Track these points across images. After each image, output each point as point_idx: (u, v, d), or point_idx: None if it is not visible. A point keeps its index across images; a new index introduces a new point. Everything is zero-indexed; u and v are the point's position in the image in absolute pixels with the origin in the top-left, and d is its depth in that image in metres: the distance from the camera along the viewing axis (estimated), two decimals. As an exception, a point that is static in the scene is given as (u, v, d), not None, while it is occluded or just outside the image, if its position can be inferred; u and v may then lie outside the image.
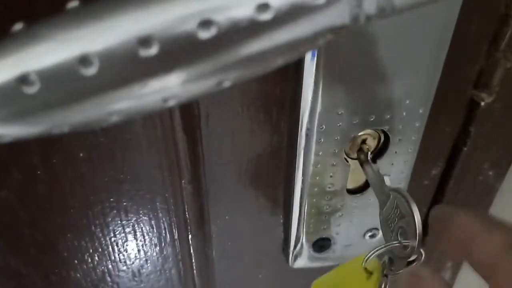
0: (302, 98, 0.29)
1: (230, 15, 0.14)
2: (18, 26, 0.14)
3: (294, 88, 0.29)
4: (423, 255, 0.28)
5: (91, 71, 0.14)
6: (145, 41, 0.14)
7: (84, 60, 0.14)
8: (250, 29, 0.14)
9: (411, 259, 0.28)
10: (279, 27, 0.15)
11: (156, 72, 0.14)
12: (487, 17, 0.30)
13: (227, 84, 0.16)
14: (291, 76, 0.28)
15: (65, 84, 0.14)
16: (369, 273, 0.28)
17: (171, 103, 0.15)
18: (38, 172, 0.28)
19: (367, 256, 0.28)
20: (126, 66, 0.14)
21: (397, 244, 0.27)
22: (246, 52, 0.15)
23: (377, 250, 0.28)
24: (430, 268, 0.25)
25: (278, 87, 0.29)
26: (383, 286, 0.28)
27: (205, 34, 0.14)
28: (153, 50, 0.14)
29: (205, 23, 0.14)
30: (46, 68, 0.14)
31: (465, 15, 0.28)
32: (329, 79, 0.28)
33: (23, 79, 0.14)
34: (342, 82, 0.28)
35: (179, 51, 0.14)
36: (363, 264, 0.28)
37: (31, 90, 0.14)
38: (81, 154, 0.28)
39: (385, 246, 0.27)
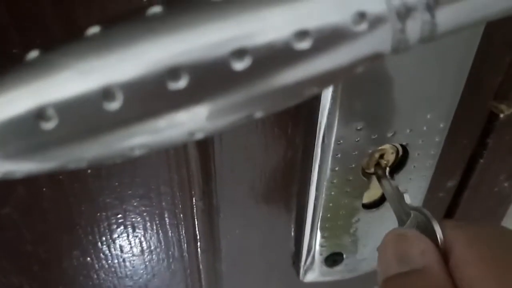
0: (319, 112, 0.28)
1: (266, 43, 0.13)
2: (33, 54, 0.13)
3: (311, 102, 0.28)
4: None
5: (114, 105, 0.13)
6: (174, 73, 0.12)
7: (107, 93, 0.12)
8: (287, 58, 0.13)
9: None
10: (317, 56, 0.13)
11: (185, 106, 0.13)
12: (510, 28, 0.29)
13: (258, 115, 0.14)
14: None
15: (85, 119, 0.13)
16: None
17: (198, 136, 0.14)
18: (44, 189, 0.27)
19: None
20: (153, 100, 0.13)
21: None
22: (281, 83, 0.13)
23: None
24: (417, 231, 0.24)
25: (294, 100, 0.28)
26: None
27: (239, 65, 0.13)
28: (183, 83, 0.13)
29: (239, 53, 0.13)
30: (65, 102, 0.12)
31: (490, 25, 0.27)
32: (347, 93, 0.26)
33: (40, 114, 0.12)
34: (361, 96, 0.27)
35: (210, 83, 0.13)
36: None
37: (48, 125, 0.13)
38: (89, 171, 0.27)
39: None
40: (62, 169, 0.14)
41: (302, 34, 0.13)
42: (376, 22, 0.13)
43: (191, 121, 0.13)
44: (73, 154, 0.13)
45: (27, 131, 0.13)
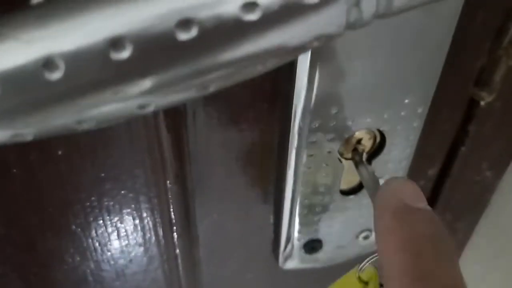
0: (295, 95, 0.27)
1: (213, 14, 0.12)
2: (-25, 23, 0.13)
3: (287, 85, 0.27)
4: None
5: (56, 75, 0.12)
6: (116, 43, 0.12)
7: (48, 63, 0.12)
8: (235, 30, 0.13)
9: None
10: (267, 29, 0.13)
11: (129, 77, 0.13)
12: (490, 12, 0.29)
13: (211, 89, 0.14)
14: (283, 72, 0.27)
15: (27, 89, 0.12)
16: (365, 283, 0.27)
17: (150, 109, 0.14)
18: (14, 170, 0.27)
19: (362, 265, 0.27)
20: (95, 70, 0.12)
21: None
22: (229, 56, 0.13)
23: (371, 258, 0.26)
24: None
25: (270, 84, 0.28)
26: None
27: (184, 36, 0.12)
28: (126, 53, 0.12)
29: (186, 23, 0.12)
30: (6, 71, 0.12)
31: (468, 10, 0.26)
32: (324, 77, 0.26)
33: (-20, 83, 0.12)
34: (337, 80, 0.26)
35: (155, 53, 0.12)
36: (357, 273, 0.27)
37: (-12, 95, 0.12)
38: (59, 152, 0.26)
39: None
40: (8, 141, 0.14)
41: (250, 6, 0.13)
42: (328, -6, 0.13)
43: (139, 93, 0.13)
44: (17, 125, 0.13)
45: (-33, 101, 0.12)
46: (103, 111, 0.13)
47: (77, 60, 0.12)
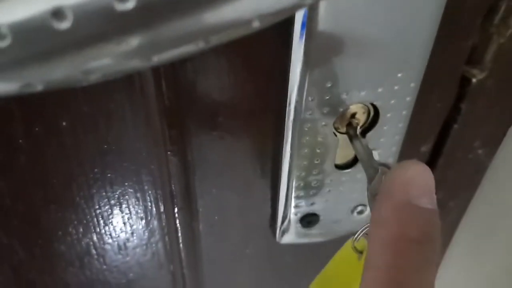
0: (291, 70, 0.28)
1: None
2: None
3: (283, 59, 0.28)
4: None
5: (64, 25, 0.13)
6: (121, -6, 0.13)
7: (57, 12, 0.13)
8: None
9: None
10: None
11: (135, 28, 0.14)
12: (481, -11, 0.30)
13: (213, 42, 0.15)
14: (279, 47, 0.28)
15: (37, 38, 0.13)
16: (360, 252, 0.28)
17: (154, 61, 0.15)
18: (20, 141, 0.28)
19: (356, 235, 0.28)
20: (102, 21, 0.13)
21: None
22: (230, 11, 0.14)
23: (365, 228, 0.27)
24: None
25: (266, 59, 0.28)
26: None
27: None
28: (130, 4, 0.13)
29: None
30: (17, 21, 0.13)
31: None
32: (318, 51, 0.27)
33: (-7, 32, 0.13)
34: (332, 54, 0.27)
35: (159, 4, 0.13)
36: (353, 243, 0.28)
37: (2, 44, 0.13)
38: (64, 123, 0.27)
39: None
40: (20, 91, 0.15)
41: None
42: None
43: (143, 43, 0.14)
44: (28, 74, 0.14)
45: (-19, 49, 0.13)
46: (109, 61, 0.14)
47: (85, 11, 0.13)
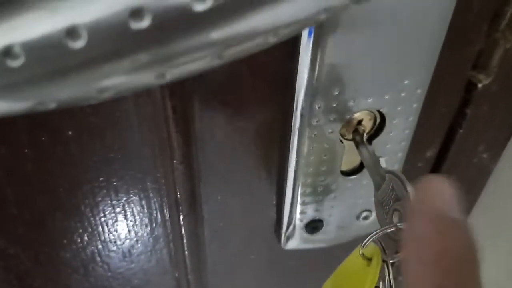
0: (298, 77, 0.28)
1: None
2: (1, -5, 0.13)
3: (290, 67, 0.28)
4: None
5: (78, 44, 0.13)
6: (136, 13, 0.13)
7: (71, 32, 0.13)
8: (250, 2, 0.14)
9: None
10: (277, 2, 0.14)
11: (148, 46, 0.13)
12: (487, -4, 0.30)
13: (225, 59, 0.15)
14: (287, 55, 0.28)
15: (51, 57, 0.13)
16: (368, 259, 0.28)
17: (166, 78, 0.15)
18: (26, 150, 0.27)
19: (364, 242, 0.27)
20: (116, 40, 0.13)
21: (393, 228, 0.27)
22: (245, 25, 0.14)
23: (374, 235, 0.27)
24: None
25: (274, 66, 0.28)
26: (386, 271, 0.28)
27: (199, 6, 0.13)
28: (145, 23, 0.13)
29: (200, -5, 0.13)
30: (31, 40, 0.13)
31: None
32: (326, 59, 0.27)
33: (7, 52, 0.13)
34: (339, 62, 0.27)
35: (172, 24, 0.13)
36: (360, 250, 0.28)
37: (15, 63, 0.13)
38: (70, 132, 0.27)
39: (381, 230, 0.27)
40: (32, 110, 0.14)
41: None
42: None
43: (155, 62, 0.14)
44: (41, 94, 0.14)
45: (-5, 69, 0.13)
46: (122, 79, 0.14)
47: (99, 30, 0.13)
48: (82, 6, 0.13)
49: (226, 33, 0.14)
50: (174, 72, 0.14)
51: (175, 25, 0.13)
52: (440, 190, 0.20)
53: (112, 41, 0.13)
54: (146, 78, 0.14)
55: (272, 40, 0.14)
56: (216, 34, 0.14)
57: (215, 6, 0.13)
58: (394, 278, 0.29)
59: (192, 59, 0.14)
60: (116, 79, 0.14)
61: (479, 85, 0.34)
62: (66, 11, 0.13)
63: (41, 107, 0.14)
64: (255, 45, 0.14)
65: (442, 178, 0.20)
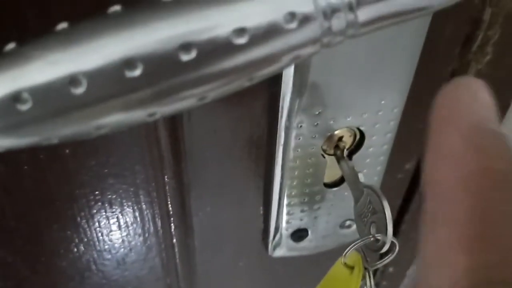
0: (281, 98, 0.30)
1: (209, 38, 0.15)
2: (10, 46, 0.15)
3: (274, 88, 0.30)
4: (397, 247, 0.30)
5: (80, 90, 0.15)
6: (130, 63, 0.15)
7: (73, 80, 0.15)
8: (227, 50, 0.15)
9: (383, 251, 0.30)
10: (253, 49, 0.16)
11: (140, 91, 0.15)
12: (460, 20, 0.32)
13: (207, 99, 0.17)
14: (271, 78, 0.29)
15: (55, 102, 0.15)
16: (351, 268, 0.30)
17: (156, 117, 0.16)
18: (25, 167, 0.29)
19: (345, 253, 0.29)
20: (112, 86, 0.15)
21: (371, 239, 0.29)
22: (223, 72, 0.16)
23: (353, 246, 0.29)
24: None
25: (259, 86, 0.30)
26: (367, 277, 0.30)
27: (186, 57, 0.15)
28: (138, 71, 0.15)
29: (186, 46, 0.15)
30: (38, 87, 0.15)
31: (438, 18, 0.29)
32: (307, 81, 0.29)
33: (16, 97, 0.15)
34: (319, 83, 0.29)
35: (161, 72, 0.15)
36: (342, 260, 0.30)
37: (23, 107, 0.15)
38: (67, 151, 0.29)
39: (360, 241, 0.29)
40: (36, 144, 0.16)
41: (240, 31, 0.15)
42: (305, 20, 0.16)
43: (147, 104, 0.16)
44: (46, 131, 0.16)
45: (5, 111, 0.15)
46: (118, 118, 0.16)
47: (97, 77, 0.15)
48: (82, 57, 0.15)
49: (208, 79, 0.16)
50: (164, 110, 0.16)
51: (164, 73, 0.15)
52: (472, 94, 0.16)
53: (109, 86, 0.15)
54: (139, 117, 0.16)
55: (247, 83, 0.16)
56: (200, 79, 0.16)
57: (199, 56, 0.15)
58: (376, 284, 0.31)
59: (179, 100, 0.16)
60: (112, 118, 0.16)
61: (454, 102, 0.35)
62: (66, 62, 0.15)
63: (45, 142, 0.16)
64: (234, 88, 0.16)
65: (472, 79, 0.16)
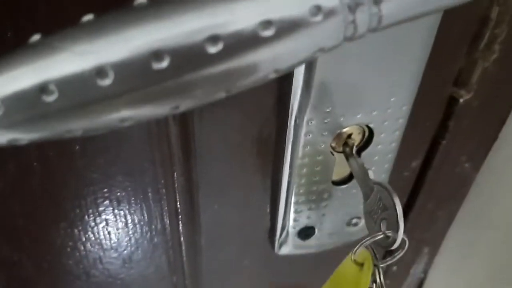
0: (292, 95, 0.30)
1: (236, 31, 0.15)
2: (35, 37, 0.15)
3: (285, 85, 0.30)
4: (407, 243, 0.30)
5: (106, 82, 0.15)
6: (157, 55, 0.15)
7: (100, 71, 0.15)
8: (254, 43, 0.15)
9: (393, 247, 0.30)
10: (279, 42, 0.16)
11: (167, 83, 0.15)
12: (468, 18, 0.32)
13: (234, 91, 0.17)
14: (282, 75, 0.29)
15: (81, 93, 0.15)
16: (360, 264, 0.30)
17: (182, 109, 0.16)
18: (34, 164, 0.29)
19: (355, 250, 0.29)
20: (139, 78, 0.15)
21: (381, 235, 0.29)
22: (250, 64, 0.16)
23: (363, 242, 0.29)
24: None
25: (269, 83, 0.30)
26: (377, 274, 0.30)
27: (212, 49, 0.15)
28: (165, 63, 0.15)
29: (213, 39, 0.15)
30: (65, 78, 0.15)
31: (447, 17, 0.29)
32: (318, 78, 0.29)
33: (43, 88, 0.15)
34: (330, 81, 0.29)
35: (188, 64, 0.15)
36: (352, 256, 0.30)
37: (49, 98, 0.15)
38: (76, 147, 0.29)
39: (370, 238, 0.29)
40: (60, 137, 0.16)
41: (266, 24, 0.15)
42: (329, 14, 0.16)
43: (173, 96, 0.16)
44: (70, 123, 0.16)
45: (31, 103, 0.15)
46: (143, 111, 0.16)
47: (124, 69, 0.15)
48: (110, 49, 0.15)
49: (234, 71, 0.16)
50: (187, 104, 0.16)
51: (191, 65, 0.15)
52: None
53: (136, 78, 0.15)
54: (162, 110, 0.16)
55: (273, 76, 0.16)
56: (226, 71, 0.15)
57: (226, 49, 0.15)
58: (385, 280, 0.31)
59: (204, 93, 0.16)
60: (137, 111, 0.16)
61: (460, 100, 0.36)
62: (93, 54, 0.15)
63: (68, 134, 0.16)
64: (259, 80, 0.16)
65: None
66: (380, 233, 0.29)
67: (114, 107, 0.15)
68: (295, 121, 0.31)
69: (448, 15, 0.29)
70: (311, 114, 0.30)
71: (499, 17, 0.32)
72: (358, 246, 0.30)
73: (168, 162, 0.31)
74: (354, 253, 0.30)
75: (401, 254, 0.29)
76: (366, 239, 0.29)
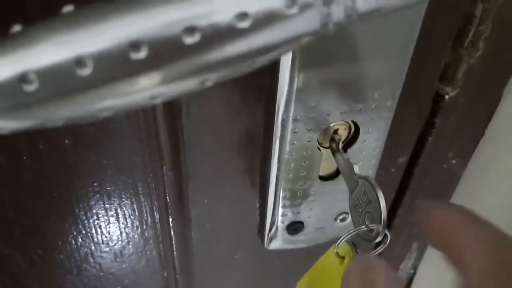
0: (278, 91, 0.30)
1: (213, 22, 0.16)
2: (16, 28, 0.16)
3: (271, 80, 0.30)
4: (389, 238, 0.30)
5: (85, 71, 0.15)
6: (135, 45, 0.15)
7: (79, 61, 0.15)
8: (230, 35, 0.16)
9: (377, 241, 0.30)
10: (255, 34, 0.16)
11: (145, 73, 0.16)
12: (452, 15, 0.32)
13: (209, 83, 0.17)
14: (268, 70, 0.30)
15: (61, 83, 0.15)
16: (341, 257, 0.30)
17: (158, 100, 0.17)
18: (24, 158, 0.29)
19: (338, 242, 0.30)
20: (118, 68, 0.15)
21: (364, 228, 0.29)
22: (226, 56, 0.16)
23: (347, 235, 0.30)
24: (382, 261, 0.23)
25: (256, 80, 0.31)
26: None
27: (189, 40, 0.15)
28: (143, 54, 0.15)
29: (190, 30, 0.15)
30: (45, 68, 0.15)
31: (431, 13, 0.30)
32: (304, 74, 0.29)
33: (23, 78, 0.15)
34: (316, 76, 0.30)
35: (166, 54, 0.16)
36: (335, 249, 0.30)
37: (30, 88, 0.15)
38: (66, 141, 0.29)
39: (354, 231, 0.29)
40: (42, 126, 0.17)
41: (242, 16, 0.16)
42: (305, 6, 0.16)
43: (152, 87, 0.16)
44: (51, 113, 0.16)
45: (12, 92, 0.15)
46: (121, 101, 0.16)
47: (103, 59, 0.15)
48: (89, 39, 0.15)
49: (211, 62, 0.16)
50: (167, 93, 0.17)
51: (169, 55, 0.16)
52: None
53: (115, 68, 0.15)
54: (141, 100, 0.17)
55: (249, 68, 0.17)
56: (202, 63, 0.16)
57: (201, 40, 0.16)
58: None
59: (182, 83, 0.16)
60: (116, 101, 0.16)
61: (446, 97, 0.36)
62: (73, 44, 0.15)
63: (49, 124, 0.17)
64: (236, 72, 0.17)
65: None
66: (364, 226, 0.30)
67: (94, 97, 0.16)
68: (282, 116, 0.31)
69: (432, 11, 0.30)
70: (297, 109, 0.31)
71: (483, 14, 0.33)
72: (342, 238, 0.30)
73: (157, 156, 0.31)
74: (337, 246, 0.30)
75: (383, 248, 0.30)
76: (350, 232, 0.30)
